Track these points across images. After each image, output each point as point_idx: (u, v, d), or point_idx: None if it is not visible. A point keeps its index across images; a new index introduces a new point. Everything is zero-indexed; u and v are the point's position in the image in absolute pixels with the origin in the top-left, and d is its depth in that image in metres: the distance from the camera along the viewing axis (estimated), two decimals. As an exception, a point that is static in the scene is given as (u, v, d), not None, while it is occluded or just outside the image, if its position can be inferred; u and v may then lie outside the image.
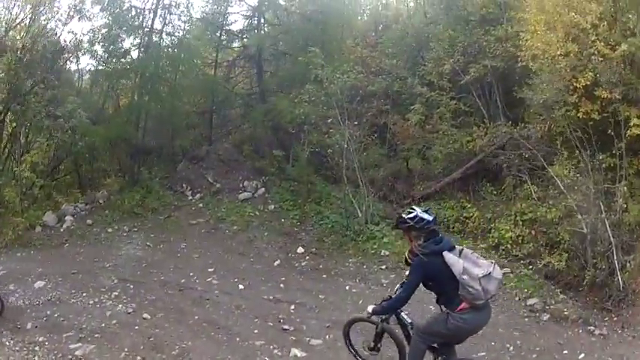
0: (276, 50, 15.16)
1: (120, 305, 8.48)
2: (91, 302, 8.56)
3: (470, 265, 3.71)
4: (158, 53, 14.18)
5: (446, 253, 3.77)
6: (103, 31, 13.79)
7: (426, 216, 3.80)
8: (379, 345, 4.59)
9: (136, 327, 7.63)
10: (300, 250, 11.16)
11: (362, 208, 10.70)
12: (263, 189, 13.43)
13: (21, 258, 11.22)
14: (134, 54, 14.38)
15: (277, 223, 12.15)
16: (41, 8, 13.21)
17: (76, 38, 14.63)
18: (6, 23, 13.14)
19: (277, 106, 13.23)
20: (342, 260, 10.16)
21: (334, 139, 11.18)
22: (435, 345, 4.18)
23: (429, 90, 12.29)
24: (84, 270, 10.06)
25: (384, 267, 9.61)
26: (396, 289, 4.20)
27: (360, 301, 8.17)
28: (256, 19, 15.19)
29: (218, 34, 15.61)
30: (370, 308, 4.24)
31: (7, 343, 7.02)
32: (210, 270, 10.35)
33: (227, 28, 15.74)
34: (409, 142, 12.35)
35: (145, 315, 8.10)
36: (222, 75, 16.11)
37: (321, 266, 10.08)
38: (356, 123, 11.26)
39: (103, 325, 7.71)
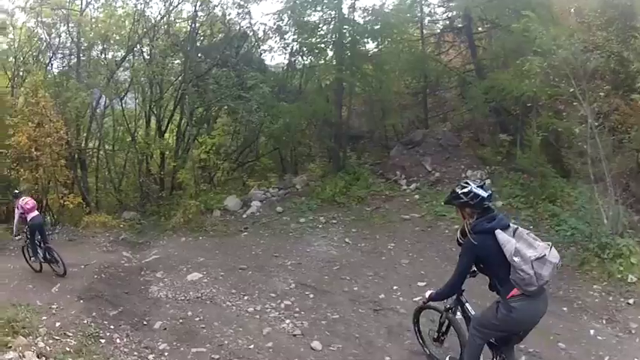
0: (484, 19, 13.03)
1: (287, 321, 6.16)
2: (250, 310, 6.52)
3: (523, 246, 3.28)
4: (353, 27, 12.49)
5: (498, 232, 3.30)
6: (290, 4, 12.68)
7: (481, 192, 3.37)
8: (443, 336, 4.29)
9: (297, 360, 5.08)
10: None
11: (607, 213, 8.00)
12: (488, 180, 10.70)
13: (184, 243, 10.03)
14: (324, 28, 12.85)
15: (507, 223, 8.51)
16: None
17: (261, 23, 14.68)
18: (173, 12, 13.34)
19: (498, 82, 10.96)
20: (584, 286, 7.14)
21: (571, 123, 9.00)
22: (494, 341, 3.74)
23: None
24: (256, 266, 8.15)
25: (631, 301, 6.52)
26: None
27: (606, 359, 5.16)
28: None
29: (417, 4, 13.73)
30: (427, 294, 3.97)
31: (118, 341, 5.70)
32: (420, 284, 7.19)
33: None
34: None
35: (315, 344, 5.55)
36: (431, 51, 14.24)
37: (560, 292, 6.86)
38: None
39: (252, 346, 5.54)
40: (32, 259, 7.76)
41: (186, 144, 13.42)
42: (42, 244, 7.62)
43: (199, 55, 13.46)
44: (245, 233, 10.11)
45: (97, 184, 13.70)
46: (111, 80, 12.60)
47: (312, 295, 6.90)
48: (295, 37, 13.20)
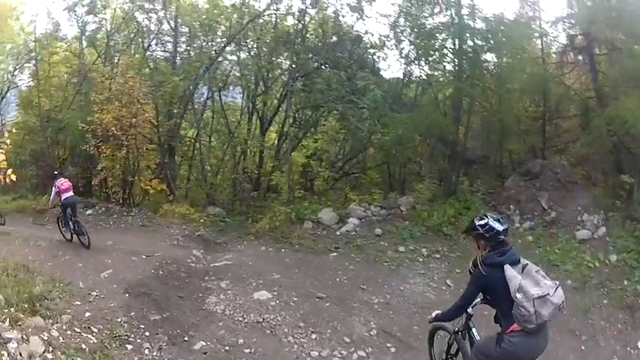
0: (606, 40, 10.91)
1: (354, 381, 4.89)
2: (314, 354, 5.18)
3: (529, 283, 3.30)
4: (473, 34, 10.96)
5: (507, 267, 3.35)
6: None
7: (497, 225, 3.43)
8: (451, 358, 4.21)
9: None
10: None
11: None
12: (604, 228, 9.15)
13: (263, 253, 8.80)
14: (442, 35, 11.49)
15: (619, 285, 7.73)
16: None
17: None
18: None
19: (620, 112, 9.58)
20: None
21: None
22: None
23: None
24: (337, 297, 6.73)
25: None
26: None
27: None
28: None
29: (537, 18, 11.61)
30: (434, 313, 4.00)
31: (146, 353, 4.70)
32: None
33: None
34: None
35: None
36: (552, 72, 12.01)
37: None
38: None
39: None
40: (64, 229, 8.61)
41: (287, 145, 12.40)
42: (72, 218, 8.35)
43: (309, 54, 12.56)
44: (334, 253, 8.63)
45: (190, 174, 13.25)
46: (210, 69, 12.15)
47: (393, 349, 5.48)
48: (412, 39, 11.77)
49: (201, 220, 10.22)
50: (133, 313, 5.22)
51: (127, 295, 5.68)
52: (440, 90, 12.57)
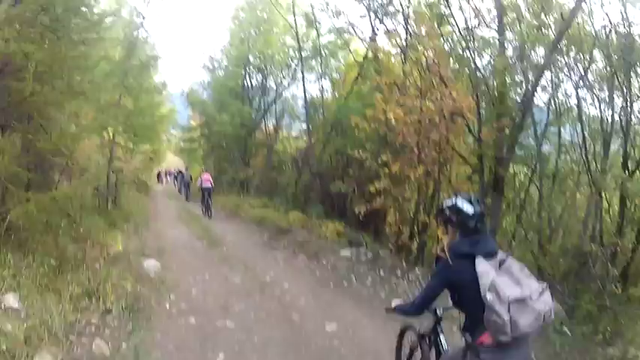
0: None
1: None
2: None
3: (507, 281, 2.51)
4: None
5: (479, 260, 2.60)
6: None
7: (466, 206, 2.75)
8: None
9: None
10: None
11: None
12: None
13: None
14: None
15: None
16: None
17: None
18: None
19: None
20: None
21: None
22: None
23: None
24: None
25: None
26: None
27: None
28: None
29: None
30: (393, 303, 3.99)
31: None
32: None
33: None
34: None
35: None
36: None
37: None
38: None
39: None
40: (199, 205, 13.45)
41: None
42: (204, 200, 13.03)
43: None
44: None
45: (518, 229, 8.38)
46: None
47: None
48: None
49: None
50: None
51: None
52: None
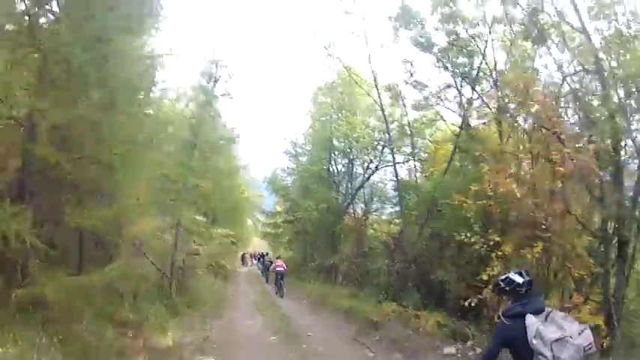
0: None
1: None
2: None
3: (549, 328, 2.96)
4: None
5: (528, 316, 3.06)
6: None
7: (517, 278, 3.25)
8: None
9: None
10: None
11: None
12: None
13: None
14: None
15: None
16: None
17: None
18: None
19: None
20: None
21: None
22: None
23: None
24: None
25: None
26: None
27: None
28: None
29: None
30: None
31: None
32: None
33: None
34: None
35: None
36: None
37: None
38: None
39: None
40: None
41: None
42: (277, 282, 14.90)
43: None
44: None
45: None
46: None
47: None
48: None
49: None
50: None
51: None
52: None
